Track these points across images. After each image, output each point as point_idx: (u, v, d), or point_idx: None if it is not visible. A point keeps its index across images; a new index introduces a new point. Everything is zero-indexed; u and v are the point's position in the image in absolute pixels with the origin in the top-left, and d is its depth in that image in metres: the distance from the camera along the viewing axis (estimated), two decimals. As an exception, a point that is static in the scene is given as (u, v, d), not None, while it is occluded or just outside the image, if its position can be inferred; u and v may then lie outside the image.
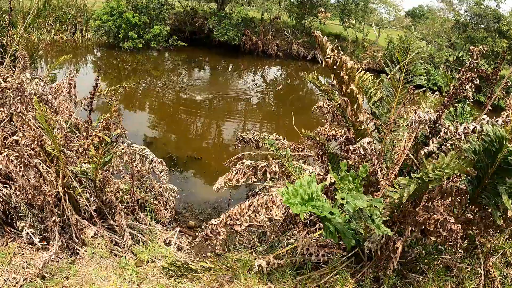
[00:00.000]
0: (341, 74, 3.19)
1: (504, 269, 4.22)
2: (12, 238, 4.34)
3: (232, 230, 3.54)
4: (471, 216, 3.36)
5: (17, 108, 4.26)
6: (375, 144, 3.57)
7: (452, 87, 3.92)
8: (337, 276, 3.73)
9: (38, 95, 4.64)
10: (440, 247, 3.99)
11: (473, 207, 3.37)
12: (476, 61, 4.00)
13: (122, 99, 12.10)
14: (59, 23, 19.40)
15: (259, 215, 3.32)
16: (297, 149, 4.84)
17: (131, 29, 17.95)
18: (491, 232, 3.70)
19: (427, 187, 2.88)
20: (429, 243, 3.69)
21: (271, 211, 3.30)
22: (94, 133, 3.39)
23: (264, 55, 21.49)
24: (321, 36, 3.10)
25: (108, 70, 17.22)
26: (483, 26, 19.56)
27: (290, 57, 21.57)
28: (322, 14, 20.96)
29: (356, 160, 3.25)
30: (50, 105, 4.65)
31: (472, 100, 4.30)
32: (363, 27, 22.34)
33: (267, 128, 11.39)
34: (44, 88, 4.62)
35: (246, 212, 3.40)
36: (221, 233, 3.54)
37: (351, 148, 3.19)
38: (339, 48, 3.22)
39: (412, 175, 2.75)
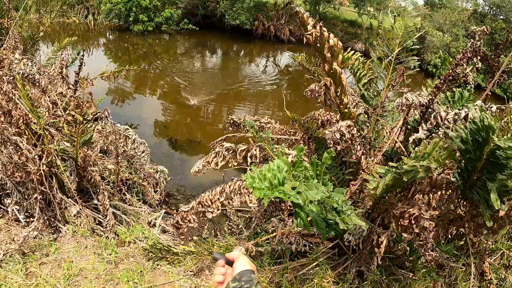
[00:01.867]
0: (324, 52, 3.01)
1: (502, 271, 3.95)
2: (1, 215, 4.35)
3: (205, 218, 3.42)
4: (462, 213, 3.12)
5: (2, 87, 4.22)
6: (360, 129, 3.38)
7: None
8: (317, 268, 3.61)
9: (25, 75, 4.60)
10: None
11: (465, 202, 3.14)
12: (479, 42, 3.76)
13: (132, 81, 12.09)
14: (70, 7, 19.46)
15: (232, 202, 3.19)
16: (288, 133, 4.68)
17: (141, 12, 17.86)
18: (484, 232, 3.47)
19: (405, 179, 2.67)
20: (414, 240, 3.47)
21: (245, 197, 3.16)
22: (67, 112, 3.30)
23: (276, 40, 21.17)
24: (302, 11, 2.92)
25: (119, 53, 17.23)
26: (502, 17, 18.85)
27: (303, 43, 21.13)
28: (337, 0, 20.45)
29: (331, 145, 3.08)
30: (37, 84, 4.59)
31: (473, 85, 4.05)
32: (379, 14, 21.74)
33: (277, 115, 11.16)
34: (32, 68, 4.56)
35: (218, 199, 3.27)
36: (192, 221, 3.42)
37: (326, 132, 3.02)
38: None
39: (390, 163, 2.58)
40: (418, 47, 3.49)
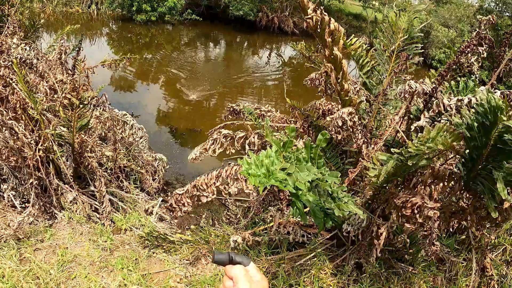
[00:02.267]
0: (324, 37, 2.92)
1: (504, 268, 3.85)
2: (-2, 201, 4.31)
3: (200, 202, 3.35)
4: (465, 205, 3.03)
5: (0, 71, 4.16)
6: (361, 117, 3.30)
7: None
8: (315, 259, 3.55)
9: (23, 60, 4.54)
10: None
11: (468, 194, 3.05)
12: (484, 32, 3.66)
13: (134, 71, 12.03)
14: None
15: (229, 188, 3.11)
16: (288, 122, 4.60)
17: (145, 2, 17.73)
18: (487, 225, 3.38)
19: (409, 165, 2.59)
20: (415, 232, 3.39)
21: (242, 183, 3.09)
22: (63, 95, 3.24)
23: (280, 32, 21.01)
24: (302, -5, 2.83)
25: (122, 43, 17.14)
26: (508, 14, 18.58)
27: (307, 35, 20.99)
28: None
29: (333, 133, 3.00)
30: (35, 69, 4.53)
31: (478, 78, 3.96)
32: (384, 8, 21.51)
33: (280, 105, 11.05)
34: (30, 53, 4.50)
35: (214, 183, 3.20)
36: (186, 204, 3.35)
37: (328, 119, 2.94)
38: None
39: (392, 150, 2.50)
40: (421, 35, 3.40)
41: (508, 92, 2.83)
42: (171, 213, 3.37)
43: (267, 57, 17.42)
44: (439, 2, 22.95)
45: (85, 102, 3.35)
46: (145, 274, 3.41)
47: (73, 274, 3.31)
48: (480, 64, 3.58)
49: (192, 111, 9.55)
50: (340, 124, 2.91)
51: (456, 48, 3.78)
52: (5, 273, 3.17)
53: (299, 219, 3.81)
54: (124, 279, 3.28)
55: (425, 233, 2.64)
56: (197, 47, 17.71)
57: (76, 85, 3.12)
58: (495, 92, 2.70)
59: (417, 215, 2.54)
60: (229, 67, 15.18)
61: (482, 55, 3.68)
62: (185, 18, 19.45)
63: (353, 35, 3.71)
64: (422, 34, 3.65)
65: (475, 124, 2.29)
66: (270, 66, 15.85)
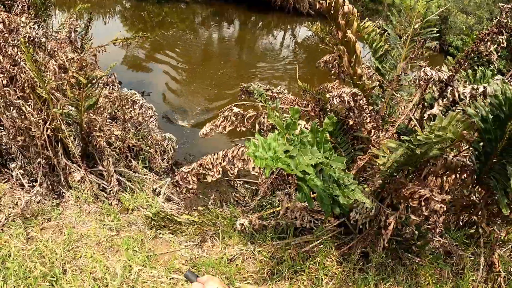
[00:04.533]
0: (338, 19, 2.81)
1: None
2: (6, 179, 4.35)
3: (205, 180, 3.32)
4: (476, 200, 2.94)
5: (7, 50, 4.13)
6: (374, 102, 3.20)
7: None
8: (322, 246, 3.51)
9: (32, 39, 4.49)
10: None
11: (480, 188, 2.95)
12: (506, 20, 3.49)
13: (146, 49, 11.96)
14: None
15: (235, 168, 3.07)
16: (300, 105, 4.51)
17: (158, -21, 17.50)
18: (497, 222, 3.29)
19: (420, 154, 2.50)
20: (420, 223, 3.30)
21: (248, 164, 3.05)
22: (70, 74, 3.20)
23: (295, 12, 20.59)
24: (316, -26, 2.71)
25: (135, 21, 17.02)
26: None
27: (323, 16, 20.50)
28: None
29: (343, 117, 2.91)
30: (43, 48, 4.49)
31: (496, 65, 3.79)
32: (402, -10, 20.83)
33: (294, 86, 10.89)
34: (38, 32, 4.44)
35: (220, 163, 3.16)
36: (191, 182, 3.33)
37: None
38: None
39: (402, 137, 2.41)
40: (437, 18, 3.25)
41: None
42: (177, 189, 3.36)
43: (282, 37, 17.16)
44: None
45: (93, 81, 3.30)
46: (151, 255, 3.42)
47: (78, 253, 3.34)
48: (499, 54, 3.44)
49: (203, 91, 9.47)
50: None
51: (474, 36, 3.62)
52: (12, 252, 3.20)
53: (306, 204, 3.77)
54: (129, 260, 3.29)
55: (429, 226, 2.57)
56: (209, 28, 17.48)
57: (83, 64, 3.07)
58: (510, 81, 2.57)
59: (424, 207, 2.47)
60: (241, 49, 15.00)
61: (502, 44, 3.53)
62: (199, -4, 19.18)
63: (366, 18, 3.58)
64: (438, 18, 3.50)
65: (490, 116, 2.17)
66: (284, 47, 15.61)
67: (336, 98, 2.81)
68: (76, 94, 3.36)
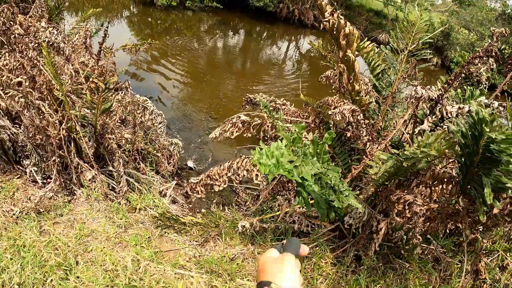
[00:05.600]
0: (339, 39, 3.08)
1: (497, 273, 3.96)
2: (19, 175, 4.59)
3: (212, 190, 3.57)
4: (460, 208, 3.18)
5: (28, 53, 4.40)
6: (370, 117, 3.46)
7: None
8: (317, 248, 3.74)
9: (51, 43, 4.76)
10: (428, 236, 3.86)
11: (464, 198, 3.20)
12: (496, 43, 3.76)
13: (153, 55, 12.25)
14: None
15: (239, 177, 3.33)
16: (301, 116, 4.77)
17: (167, -13, 17.90)
18: (479, 229, 3.52)
19: (406, 167, 2.76)
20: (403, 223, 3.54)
21: (252, 174, 3.30)
22: (90, 79, 3.45)
23: (300, 24, 20.99)
24: (321, -1, 2.98)
25: (142, 26, 17.36)
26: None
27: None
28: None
29: (342, 130, 3.16)
30: (62, 53, 4.75)
31: (487, 85, 4.06)
32: (405, 6, 21.29)
33: (296, 99, 11.15)
34: (57, 37, 4.71)
35: (226, 174, 3.42)
36: (199, 192, 3.58)
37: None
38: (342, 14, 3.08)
39: (392, 150, 2.66)
40: (440, 36, 3.52)
41: (505, 104, 2.95)
42: (186, 199, 3.60)
43: (286, 48, 17.48)
44: (462, 4, 22.61)
45: (110, 87, 3.56)
46: (157, 252, 3.65)
47: (89, 247, 3.57)
48: (487, 76, 3.71)
49: (209, 98, 9.74)
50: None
51: (466, 57, 3.90)
52: (26, 243, 3.42)
53: (304, 209, 4.01)
54: (137, 254, 3.52)
55: (410, 225, 2.82)
56: (216, 34, 17.83)
57: (103, 71, 3.32)
58: (492, 103, 2.84)
59: (406, 210, 2.73)
60: (246, 59, 15.31)
61: (491, 66, 3.80)
62: (206, 5, 19.57)
63: (366, 38, 3.84)
64: (441, 34, 3.76)
65: (469, 133, 2.44)
66: (288, 58, 15.92)
67: (338, 115, 3.08)
68: (94, 98, 3.61)
